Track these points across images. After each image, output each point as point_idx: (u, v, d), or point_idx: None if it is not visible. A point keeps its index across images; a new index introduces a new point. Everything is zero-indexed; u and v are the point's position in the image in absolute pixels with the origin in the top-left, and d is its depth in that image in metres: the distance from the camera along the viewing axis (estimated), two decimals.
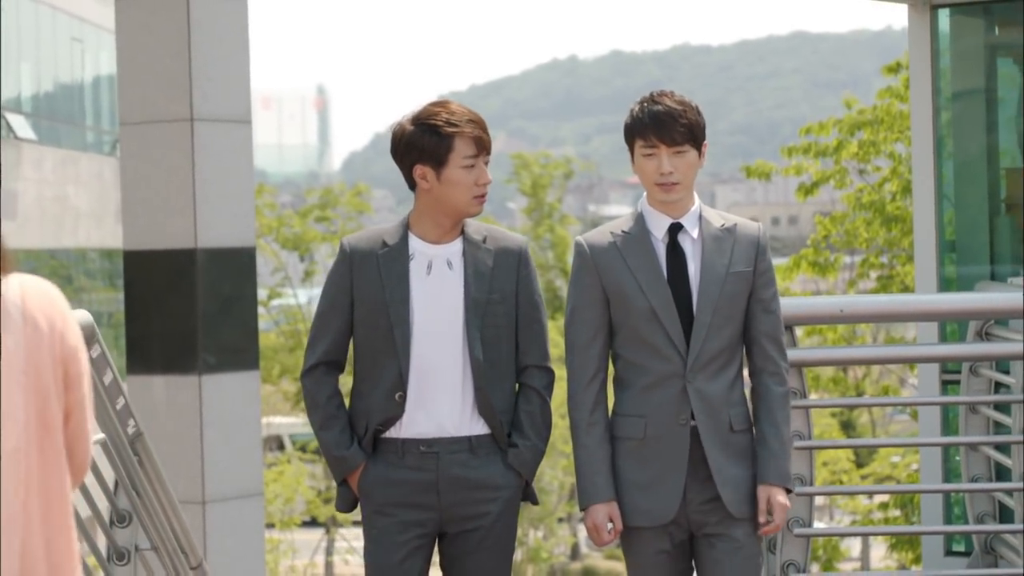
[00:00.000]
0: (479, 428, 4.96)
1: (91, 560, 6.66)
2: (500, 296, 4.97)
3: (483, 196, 5.00)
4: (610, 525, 4.88)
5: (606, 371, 4.96)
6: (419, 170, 4.96)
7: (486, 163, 4.99)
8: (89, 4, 31.20)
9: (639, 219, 4.94)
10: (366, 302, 4.98)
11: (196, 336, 10.73)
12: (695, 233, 4.88)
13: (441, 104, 5.00)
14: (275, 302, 35.51)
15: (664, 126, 4.83)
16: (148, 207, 10.83)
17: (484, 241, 5.02)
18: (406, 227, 5.04)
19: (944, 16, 9.40)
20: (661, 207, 4.90)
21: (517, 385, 5.09)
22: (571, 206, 51.97)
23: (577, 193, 58.50)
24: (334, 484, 5.26)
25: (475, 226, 5.05)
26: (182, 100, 10.59)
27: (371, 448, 5.00)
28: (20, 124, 27.74)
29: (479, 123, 4.97)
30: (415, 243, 5.01)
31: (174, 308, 10.72)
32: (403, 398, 4.91)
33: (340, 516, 31.36)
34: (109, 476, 6.89)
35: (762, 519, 4.85)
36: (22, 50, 27.96)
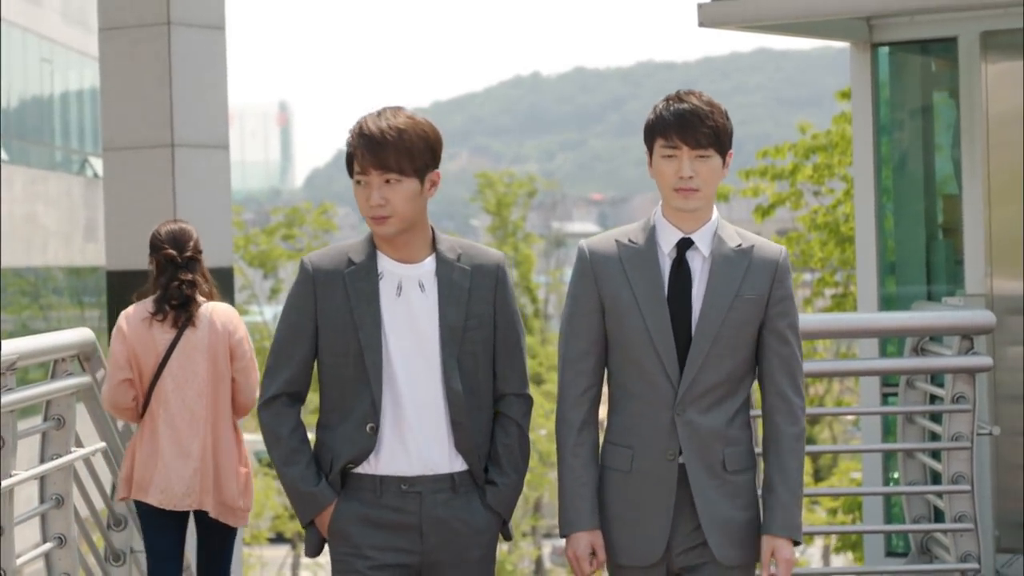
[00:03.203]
0: (459, 464, 4.51)
1: (90, 560, 7.04)
2: (477, 321, 4.51)
3: (379, 218, 4.45)
4: (592, 556, 4.46)
5: (598, 388, 4.53)
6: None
7: (389, 181, 4.44)
8: (59, 25, 31.31)
9: (649, 229, 4.48)
10: (333, 326, 4.49)
11: None
12: (706, 251, 4.43)
13: (377, 112, 4.53)
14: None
15: (689, 126, 4.37)
16: (130, 229, 11.20)
17: (459, 259, 4.54)
18: (373, 244, 4.56)
19: (884, 53, 9.82)
20: (675, 217, 4.45)
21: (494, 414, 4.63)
22: (535, 224, 52.07)
23: (541, 211, 58.42)
24: None
25: (449, 242, 4.58)
26: (163, 127, 10.98)
27: (339, 484, 4.52)
28: None
29: (377, 139, 4.43)
30: (384, 262, 4.53)
31: None
32: (375, 430, 4.45)
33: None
34: (107, 482, 7.30)
35: (764, 574, 4.40)
36: None
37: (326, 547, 4.60)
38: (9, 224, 27.38)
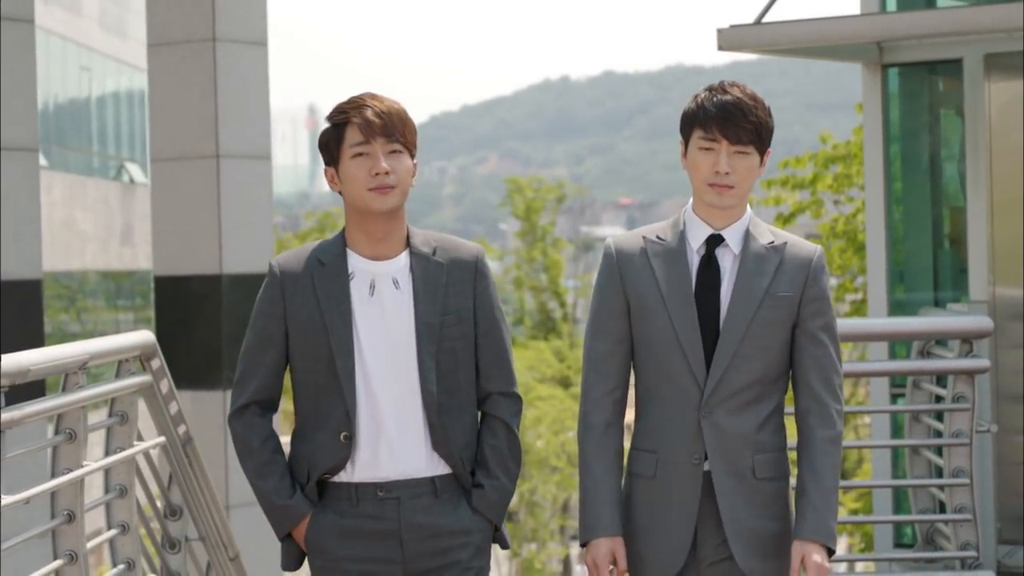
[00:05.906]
0: (441, 468, 4.27)
1: (149, 546, 7.43)
2: (456, 317, 4.27)
3: (383, 188, 4.20)
4: (612, 566, 4.21)
5: (624, 390, 4.30)
6: (328, 173, 4.29)
7: (393, 152, 4.22)
8: (97, 34, 31.65)
9: (678, 225, 4.26)
10: (302, 331, 4.24)
11: (220, 354, 11.55)
12: (736, 248, 4.20)
13: (358, 95, 4.29)
14: None
15: (731, 119, 4.13)
16: (177, 236, 11.67)
17: (434, 253, 4.30)
18: (343, 242, 4.31)
19: (894, 74, 10.22)
20: (706, 214, 4.22)
21: (479, 414, 4.39)
22: (563, 228, 52.17)
23: (569, 215, 58.37)
24: None
25: (423, 236, 4.34)
26: (209, 139, 11.43)
27: (316, 496, 4.31)
28: None
29: (373, 107, 4.21)
30: (354, 260, 4.28)
31: (200, 328, 11.56)
32: (348, 438, 4.22)
33: None
34: (164, 474, 7.70)
35: None
36: None
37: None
38: (49, 229, 27.71)
